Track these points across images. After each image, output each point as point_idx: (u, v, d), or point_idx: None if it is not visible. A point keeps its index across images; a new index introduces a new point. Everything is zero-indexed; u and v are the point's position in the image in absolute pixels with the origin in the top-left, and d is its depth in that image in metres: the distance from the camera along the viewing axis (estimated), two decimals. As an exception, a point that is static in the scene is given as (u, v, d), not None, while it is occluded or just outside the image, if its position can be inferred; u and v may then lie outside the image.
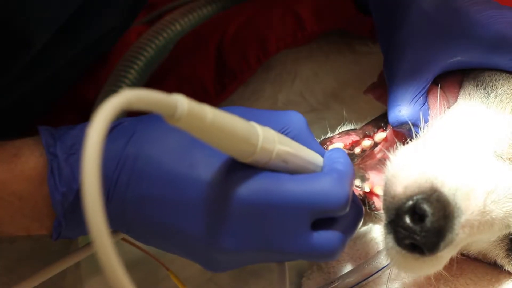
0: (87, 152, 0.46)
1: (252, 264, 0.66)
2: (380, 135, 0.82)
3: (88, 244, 0.71)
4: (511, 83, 0.79)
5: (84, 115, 0.92)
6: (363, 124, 0.84)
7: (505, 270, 0.81)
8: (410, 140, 0.78)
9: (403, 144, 0.75)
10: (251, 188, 0.61)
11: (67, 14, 0.74)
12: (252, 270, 0.88)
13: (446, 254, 0.69)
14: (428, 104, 0.79)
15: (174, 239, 0.64)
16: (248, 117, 0.63)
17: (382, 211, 0.70)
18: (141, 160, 0.63)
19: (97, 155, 0.46)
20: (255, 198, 0.61)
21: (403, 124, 0.78)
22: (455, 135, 0.74)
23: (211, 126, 0.55)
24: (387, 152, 0.72)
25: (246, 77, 0.97)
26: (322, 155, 0.68)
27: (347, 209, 0.63)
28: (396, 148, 0.72)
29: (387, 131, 0.82)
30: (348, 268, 0.85)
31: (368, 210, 0.83)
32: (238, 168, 0.62)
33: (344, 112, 0.88)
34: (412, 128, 0.77)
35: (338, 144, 0.81)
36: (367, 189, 0.82)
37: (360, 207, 0.68)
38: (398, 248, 0.67)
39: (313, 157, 0.66)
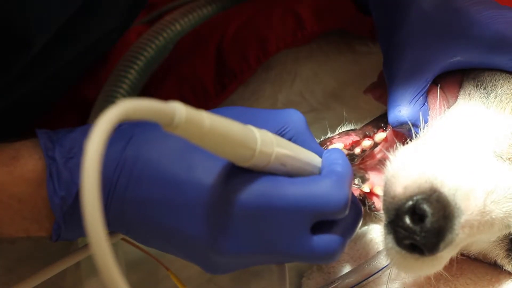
0: (86, 167, 0.46)
1: (251, 266, 0.66)
2: (380, 135, 0.82)
3: (88, 244, 0.71)
4: (511, 83, 0.79)
5: (84, 115, 0.92)
6: (363, 124, 0.84)
7: (505, 270, 0.81)
8: (410, 140, 0.78)
9: (403, 145, 0.75)
10: (250, 192, 0.61)
11: (67, 14, 0.74)
12: (252, 271, 0.88)
13: (446, 255, 0.69)
14: (428, 104, 0.79)
15: (173, 241, 0.64)
16: (247, 117, 0.63)
17: (382, 211, 0.70)
18: (140, 162, 0.63)
19: (96, 169, 0.46)
20: (254, 202, 0.61)
21: (403, 124, 0.78)
22: (455, 135, 0.74)
23: (209, 132, 0.55)
24: (387, 153, 0.72)
25: (246, 77, 0.96)
26: (321, 155, 0.68)
27: (347, 212, 0.63)
28: (396, 149, 0.72)
29: (387, 131, 0.82)
30: (348, 268, 0.85)
31: (368, 211, 0.83)
32: (237, 172, 0.62)
33: (344, 112, 0.88)
34: (412, 128, 0.77)
35: (338, 144, 0.81)
36: (367, 190, 0.82)
37: (359, 208, 0.68)
38: (398, 248, 0.67)
39: (312, 159, 0.66)
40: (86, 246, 0.72)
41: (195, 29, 1.00)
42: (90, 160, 0.46)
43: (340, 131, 0.84)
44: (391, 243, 0.68)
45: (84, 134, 0.49)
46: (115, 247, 0.82)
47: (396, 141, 0.79)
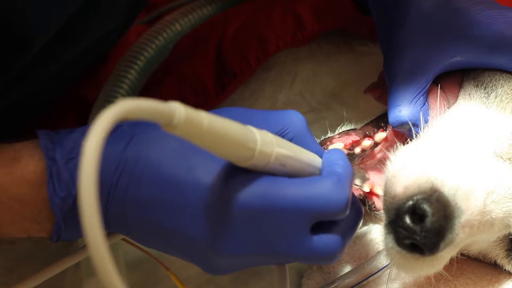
0: (84, 166, 0.46)
1: (251, 266, 0.66)
2: (380, 135, 0.82)
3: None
4: (511, 83, 0.79)
5: (84, 115, 0.92)
6: (363, 124, 0.84)
7: (505, 270, 0.81)
8: (410, 140, 0.78)
9: (403, 144, 0.75)
10: (250, 192, 0.61)
11: (67, 15, 0.74)
12: (252, 271, 0.88)
13: (446, 254, 0.69)
14: (428, 104, 0.79)
15: (173, 241, 0.64)
16: (247, 118, 0.63)
17: (382, 211, 0.70)
18: (140, 162, 0.63)
19: (94, 169, 0.46)
20: (254, 203, 0.61)
21: (403, 124, 0.78)
22: (455, 135, 0.74)
23: (208, 133, 0.55)
24: (387, 152, 0.73)
25: (246, 77, 0.96)
26: (321, 156, 0.68)
27: (347, 213, 0.63)
28: (396, 148, 0.72)
29: (387, 131, 0.82)
30: (348, 268, 0.85)
31: (368, 210, 0.83)
32: (237, 172, 0.62)
33: (344, 112, 0.88)
34: (412, 128, 0.77)
35: (338, 144, 0.81)
36: (367, 189, 0.82)
37: (359, 209, 0.68)
38: (398, 248, 0.67)
39: (312, 159, 0.66)
40: (86, 246, 0.72)
41: (195, 29, 1.00)
42: (88, 158, 0.46)
43: (340, 131, 0.84)
44: (391, 243, 0.68)
45: (85, 135, 0.49)
46: (115, 247, 0.82)
47: (396, 141, 0.79)
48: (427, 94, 0.79)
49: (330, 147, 0.81)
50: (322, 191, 0.62)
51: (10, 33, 0.69)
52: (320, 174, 0.66)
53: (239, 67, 0.95)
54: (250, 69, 0.96)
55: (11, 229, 0.66)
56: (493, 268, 0.82)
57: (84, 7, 0.76)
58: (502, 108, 0.77)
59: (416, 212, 0.65)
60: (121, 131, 0.65)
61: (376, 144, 0.82)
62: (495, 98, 0.78)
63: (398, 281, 0.82)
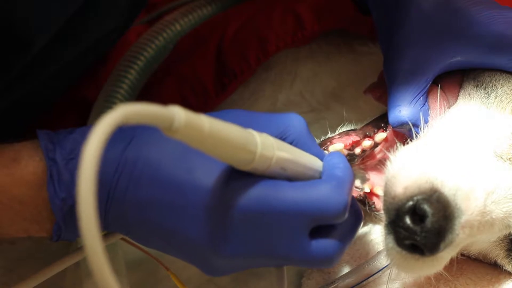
0: (82, 173, 0.46)
1: (250, 268, 0.66)
2: (380, 136, 0.82)
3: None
4: (511, 83, 0.79)
5: (84, 115, 0.92)
6: (363, 125, 0.84)
7: (505, 270, 0.81)
8: (410, 140, 0.77)
9: (403, 145, 0.75)
10: (250, 195, 0.61)
11: (67, 15, 0.74)
12: (252, 271, 0.88)
13: (446, 255, 0.69)
14: (428, 104, 0.79)
15: (173, 242, 0.64)
16: (247, 121, 0.63)
17: (382, 211, 0.70)
18: (140, 163, 0.63)
19: (92, 177, 0.46)
20: (254, 206, 0.61)
21: (403, 124, 0.78)
22: (455, 136, 0.74)
23: (209, 136, 0.54)
24: (387, 153, 0.72)
25: (246, 77, 0.96)
26: (322, 159, 0.68)
27: (346, 217, 0.63)
28: (396, 149, 0.72)
29: (387, 131, 0.82)
30: (348, 268, 0.85)
31: (368, 211, 0.83)
32: (237, 175, 0.62)
33: (344, 112, 0.88)
34: (412, 129, 0.77)
35: (338, 144, 0.81)
36: (367, 190, 0.82)
37: (359, 213, 0.68)
38: (398, 249, 0.67)
39: (312, 163, 0.65)
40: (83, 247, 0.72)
41: (195, 29, 1.00)
42: (86, 165, 0.46)
43: (340, 131, 0.84)
44: (392, 243, 0.68)
45: (85, 136, 0.49)
46: (115, 247, 0.82)
47: (396, 141, 0.79)
48: (427, 94, 0.79)
49: (330, 147, 0.81)
50: (321, 195, 0.62)
51: (10, 33, 0.69)
52: (320, 177, 0.66)
53: (239, 67, 0.95)
54: (250, 69, 0.96)
55: (11, 229, 0.66)
56: (493, 268, 0.82)
57: (84, 7, 0.76)
58: (502, 108, 0.77)
59: (416, 213, 0.65)
60: (121, 132, 0.65)
61: (376, 145, 0.82)
62: (495, 98, 0.78)
63: (398, 281, 0.82)
